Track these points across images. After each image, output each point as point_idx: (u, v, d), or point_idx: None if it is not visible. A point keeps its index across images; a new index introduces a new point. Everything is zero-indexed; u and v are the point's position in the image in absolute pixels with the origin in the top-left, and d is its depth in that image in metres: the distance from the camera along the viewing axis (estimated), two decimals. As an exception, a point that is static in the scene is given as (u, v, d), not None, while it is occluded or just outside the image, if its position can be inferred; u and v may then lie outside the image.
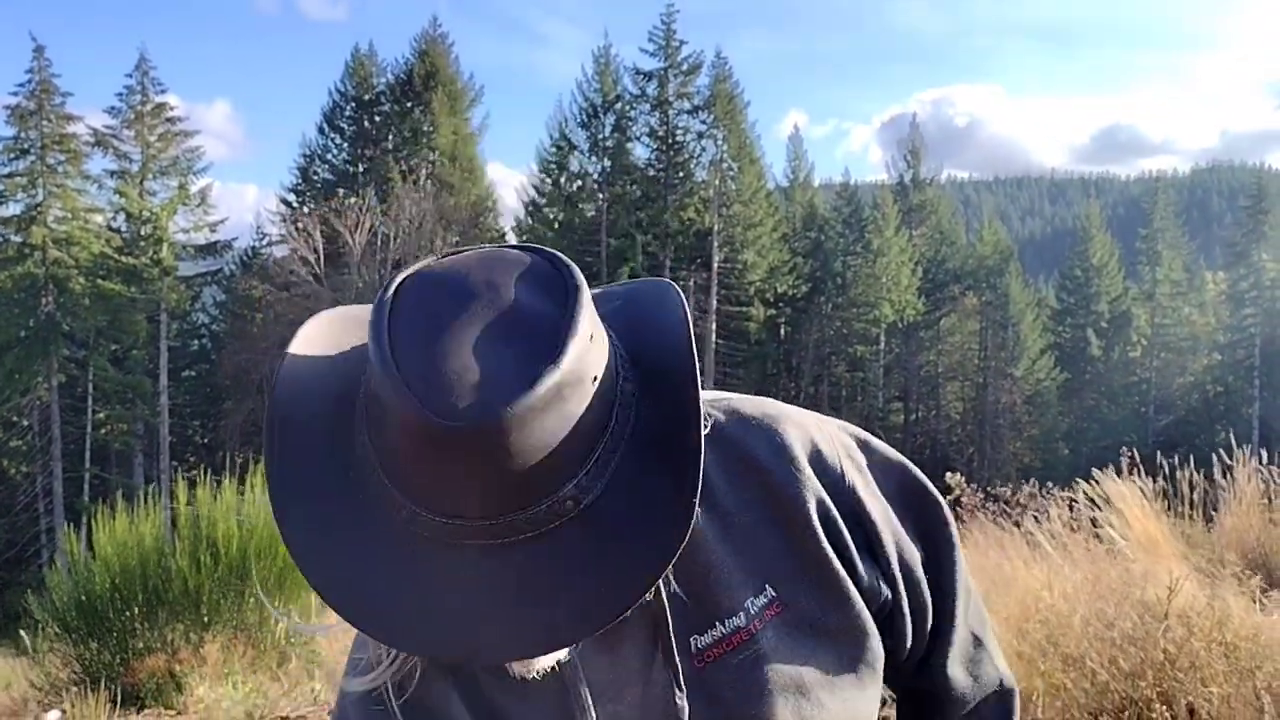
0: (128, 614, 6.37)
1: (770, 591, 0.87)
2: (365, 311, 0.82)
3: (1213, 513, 7.13)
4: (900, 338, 45.17)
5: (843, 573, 0.90)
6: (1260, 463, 7.19)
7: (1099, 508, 6.30)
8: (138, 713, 5.55)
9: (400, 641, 0.71)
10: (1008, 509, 7.48)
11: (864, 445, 0.98)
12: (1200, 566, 5.62)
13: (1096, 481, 6.56)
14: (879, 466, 0.97)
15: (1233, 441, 7.11)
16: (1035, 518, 6.83)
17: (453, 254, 0.80)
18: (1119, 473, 6.70)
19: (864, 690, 0.91)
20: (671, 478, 0.73)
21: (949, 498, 8.03)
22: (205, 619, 6.36)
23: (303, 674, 6.08)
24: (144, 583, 6.41)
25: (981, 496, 7.84)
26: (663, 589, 0.83)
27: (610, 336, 0.79)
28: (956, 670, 1.02)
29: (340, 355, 0.81)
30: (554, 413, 0.71)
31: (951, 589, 1.00)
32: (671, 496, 0.72)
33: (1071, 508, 6.56)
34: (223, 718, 5.26)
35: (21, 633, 7.69)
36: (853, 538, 0.92)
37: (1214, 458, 7.22)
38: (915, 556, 0.96)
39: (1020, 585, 5.39)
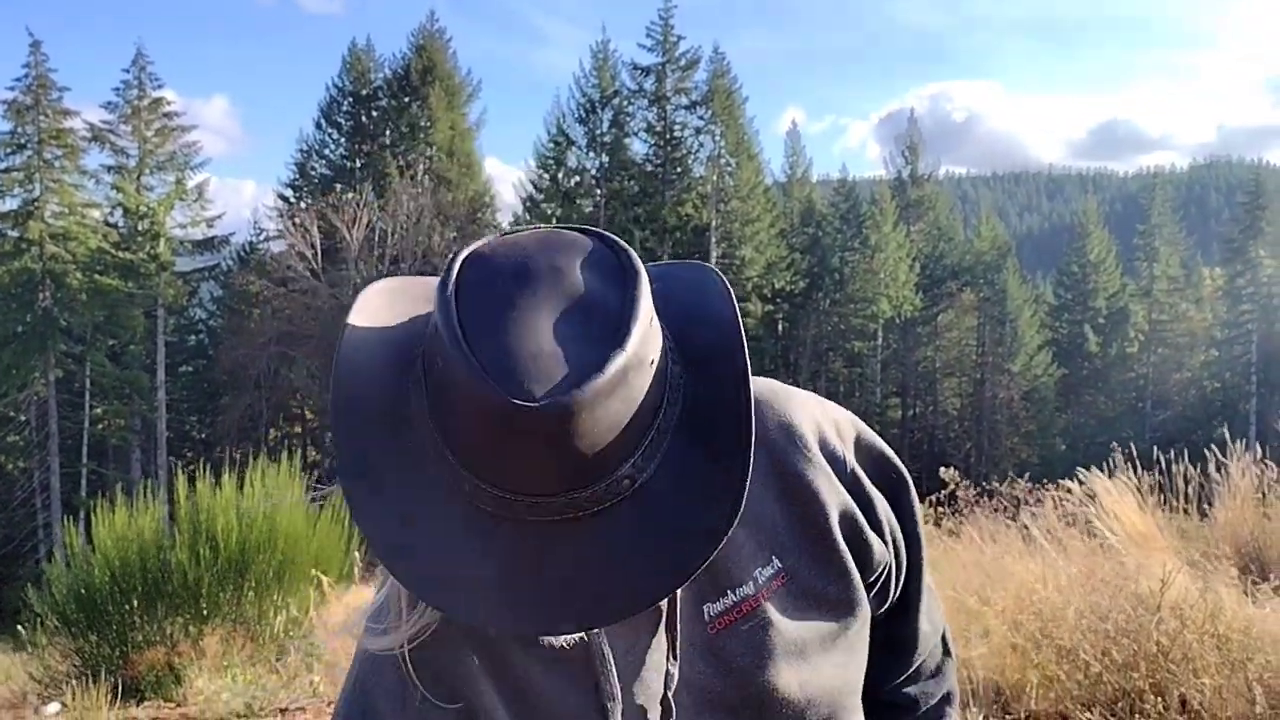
0: (127, 607, 6.39)
1: (776, 563, 0.92)
2: (420, 283, 0.86)
3: (1207, 507, 7.16)
4: (898, 333, 45.19)
5: (843, 547, 0.95)
6: (1255, 457, 7.22)
7: (1094, 503, 6.33)
8: (137, 705, 5.57)
9: (458, 611, 0.73)
10: (1003, 504, 7.51)
11: (851, 421, 1.04)
12: (1194, 560, 5.65)
13: (1082, 482, 6.59)
14: (862, 439, 1.03)
15: (1227, 436, 7.14)
16: (1032, 513, 6.87)
17: (509, 234, 0.82)
18: (1114, 468, 6.73)
19: (854, 656, 0.96)
20: (722, 463, 0.76)
21: (944, 492, 8.07)
22: (204, 612, 6.38)
23: (301, 667, 6.09)
24: (143, 576, 6.42)
25: (976, 492, 7.87)
26: None
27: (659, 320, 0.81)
28: (923, 620, 1.13)
29: (399, 326, 0.83)
30: (619, 395, 0.73)
31: (918, 547, 1.09)
32: (722, 481, 0.75)
33: (1066, 503, 6.59)
34: (222, 710, 5.28)
35: (20, 627, 7.70)
36: (862, 511, 0.97)
37: (1208, 452, 7.25)
38: (896, 521, 1.03)
39: (1015, 579, 5.42)
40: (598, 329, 0.75)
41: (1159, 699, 4.26)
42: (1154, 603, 4.55)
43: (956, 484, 7.85)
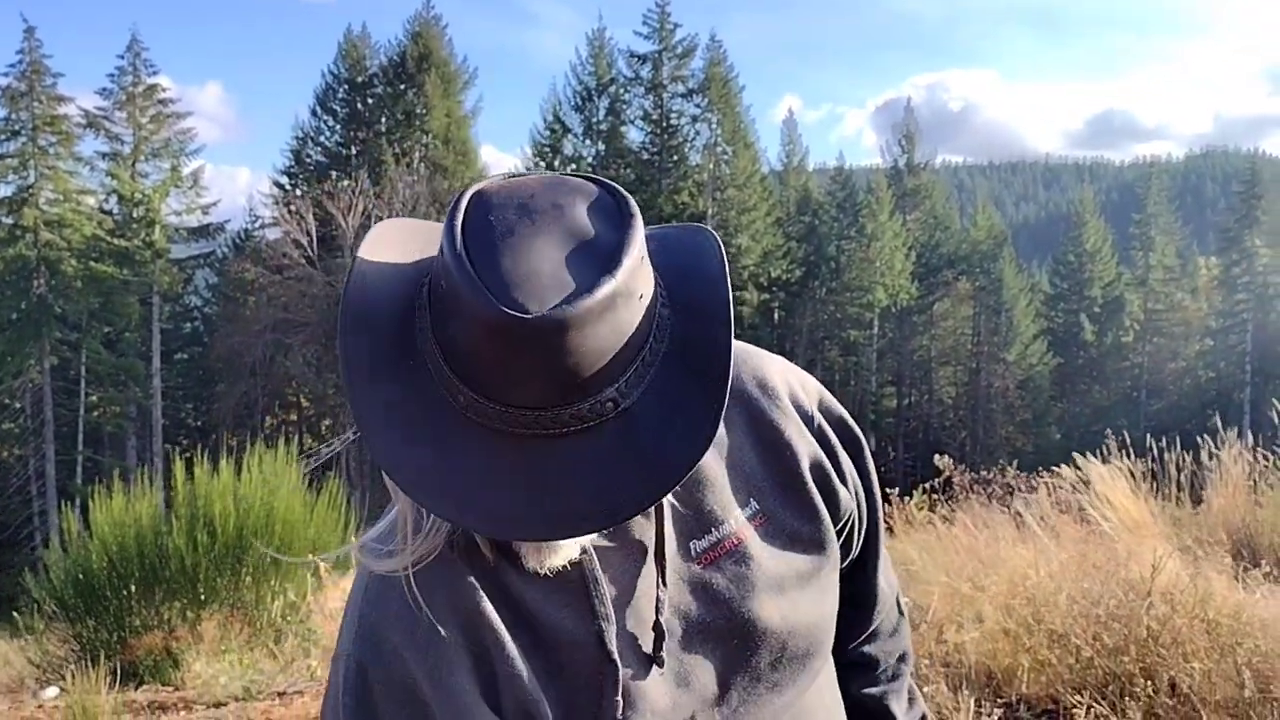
0: (125, 592, 6.41)
1: (755, 505, 1.00)
2: (429, 226, 0.92)
3: (1201, 495, 7.21)
4: (894, 322, 45.22)
5: (815, 491, 1.03)
6: (1247, 445, 7.26)
7: (1087, 490, 6.37)
8: (135, 689, 5.60)
9: (451, 514, 0.79)
10: (997, 491, 7.56)
11: (816, 385, 1.13)
12: (1186, 547, 5.69)
13: (1078, 467, 6.63)
14: (824, 401, 1.12)
15: (1219, 424, 7.18)
16: (1025, 500, 6.91)
17: (516, 176, 0.88)
18: (1107, 455, 6.77)
19: (826, 596, 1.04)
20: (702, 392, 0.82)
21: (939, 479, 8.11)
22: (202, 597, 6.41)
23: (299, 651, 6.12)
24: (141, 561, 6.44)
25: (970, 479, 7.91)
26: (666, 498, 0.93)
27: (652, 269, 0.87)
28: (881, 579, 1.22)
29: (404, 261, 0.89)
30: (608, 319, 0.79)
31: (876, 508, 1.17)
32: (701, 407, 0.81)
33: (1059, 490, 6.63)
34: (220, 693, 5.31)
35: (15, 614, 7.71)
36: (829, 461, 1.06)
37: (1201, 440, 7.29)
38: (858, 478, 1.12)
39: (1008, 564, 5.46)
40: (592, 259, 0.80)
41: (1149, 682, 4.30)
42: (1145, 588, 4.59)
43: (951, 471, 7.90)
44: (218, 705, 5.17)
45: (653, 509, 0.94)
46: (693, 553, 0.96)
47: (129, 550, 6.45)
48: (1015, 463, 8.02)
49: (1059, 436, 42.09)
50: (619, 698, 0.90)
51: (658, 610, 0.93)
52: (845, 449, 1.11)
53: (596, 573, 0.92)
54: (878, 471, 1.16)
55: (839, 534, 1.08)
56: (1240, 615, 4.61)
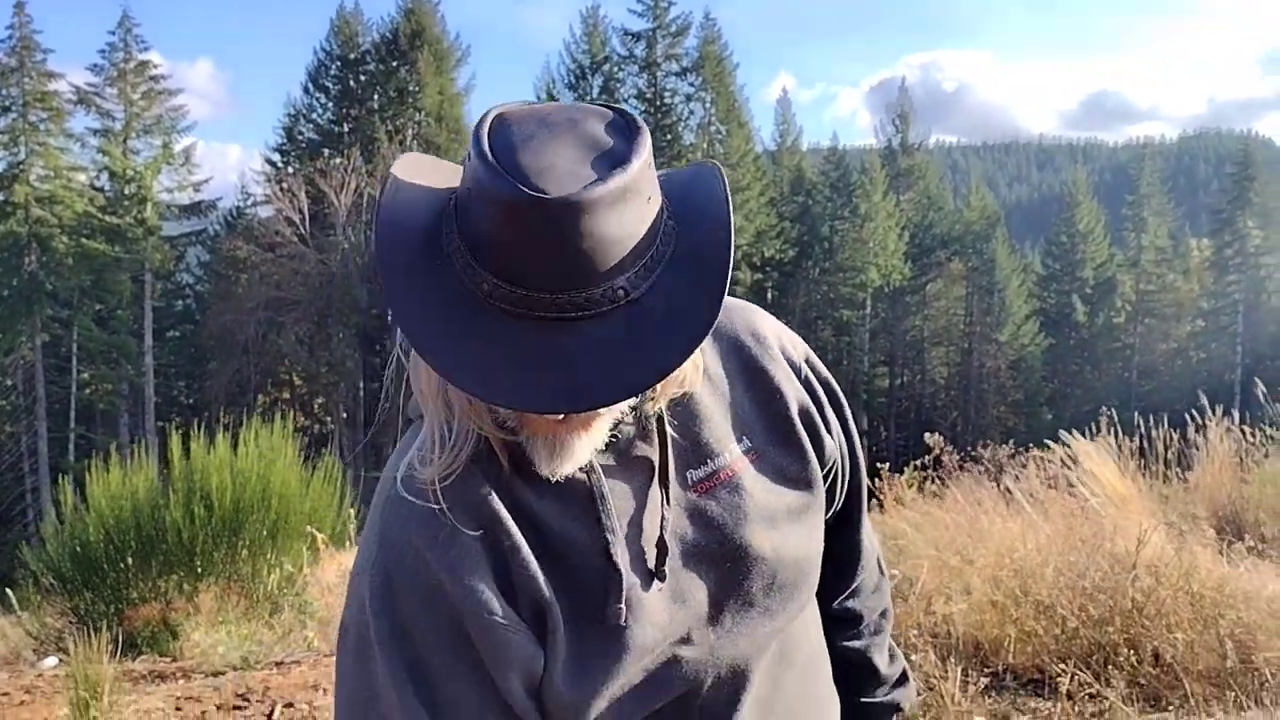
0: (122, 565, 6.45)
1: (747, 442, 1.08)
2: (448, 163, 1.02)
3: (1188, 473, 7.30)
4: (886, 302, 45.27)
5: (803, 433, 1.11)
6: (1234, 423, 7.34)
7: (1075, 467, 6.44)
8: (134, 660, 5.65)
9: (479, 392, 0.86)
10: (987, 468, 7.63)
11: (803, 344, 1.23)
12: (1171, 522, 5.78)
13: (1067, 445, 6.70)
14: (810, 358, 1.21)
15: (1205, 402, 7.26)
16: (1015, 476, 6.98)
17: (532, 104, 0.97)
18: (1097, 433, 6.85)
19: (813, 532, 1.12)
20: (704, 291, 0.90)
21: (929, 457, 8.15)
22: (199, 569, 6.45)
23: (295, 623, 6.17)
24: (138, 534, 6.48)
25: (961, 457, 7.97)
26: (667, 426, 1.03)
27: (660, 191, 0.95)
28: (864, 535, 1.30)
29: (432, 184, 0.97)
30: (619, 210, 0.87)
31: (858, 465, 1.25)
32: (702, 308, 0.89)
33: (1049, 466, 6.70)
34: (218, 662, 5.37)
35: (8, 590, 7.74)
36: (815, 410, 1.14)
37: (1190, 419, 7.36)
38: (842, 433, 1.20)
39: (995, 538, 5.53)
40: (604, 159, 0.89)
41: (1133, 652, 4.39)
42: (1130, 561, 4.66)
43: (941, 449, 7.96)
44: (216, 674, 5.22)
45: (656, 434, 1.02)
46: (689, 481, 1.04)
47: (126, 523, 6.49)
48: (1011, 441, 8.08)
49: (1050, 417, 42.22)
50: (622, 605, 0.96)
51: (661, 527, 1.00)
52: (829, 404, 1.19)
53: (603, 489, 0.99)
54: (869, 451, 1.23)
55: (826, 477, 1.16)
56: (1224, 588, 4.69)
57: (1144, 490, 6.48)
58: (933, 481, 7.74)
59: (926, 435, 8.18)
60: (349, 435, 38.09)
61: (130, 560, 6.49)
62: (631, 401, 0.99)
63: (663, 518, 1.01)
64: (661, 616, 0.99)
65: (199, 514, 6.47)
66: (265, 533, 6.63)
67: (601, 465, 1.00)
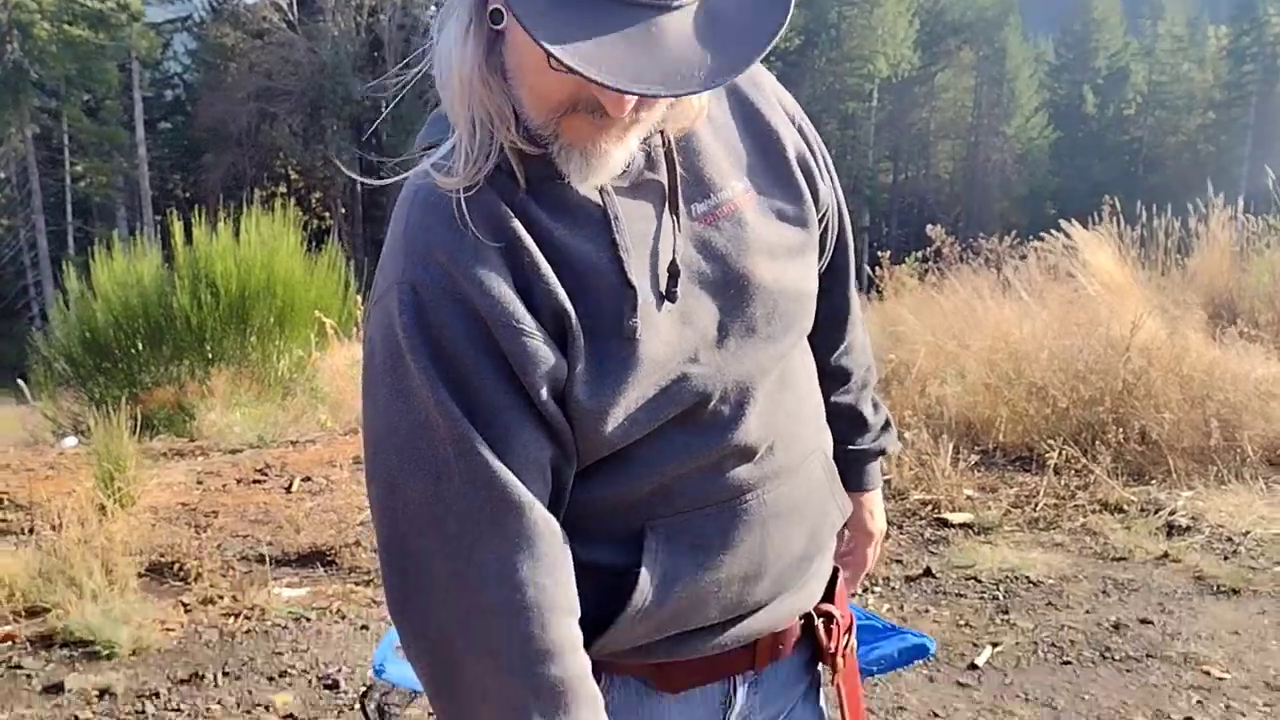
0: (133, 350, 6.56)
1: (747, 181, 1.13)
2: None
3: (1188, 262, 7.32)
4: (893, 94, 44.18)
5: (799, 176, 1.17)
6: (1235, 213, 7.31)
7: (1074, 256, 6.46)
8: (151, 439, 5.82)
9: (588, 70, 0.87)
10: (987, 259, 7.64)
11: (799, 106, 1.28)
12: (1167, 309, 5.85)
13: (1066, 234, 6.69)
14: (807, 121, 1.27)
15: (1210, 192, 7.19)
16: (1015, 266, 7.01)
17: None
18: (1099, 223, 6.83)
19: (810, 269, 1.19)
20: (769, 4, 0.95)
21: (930, 249, 8.12)
22: (210, 355, 6.56)
23: (308, 406, 6.34)
24: (146, 319, 6.56)
25: (962, 249, 7.97)
26: (675, 156, 1.07)
27: None
28: (852, 292, 1.39)
29: None
30: None
31: (845, 217, 1.32)
32: (776, 10, 0.94)
33: (1048, 255, 6.71)
34: (235, 441, 5.55)
35: (20, 380, 7.87)
36: (811, 155, 1.21)
37: (1191, 208, 7.32)
38: (835, 190, 1.27)
39: (992, 324, 5.62)
40: None
41: (1120, 430, 4.54)
42: (1124, 345, 4.76)
43: (942, 241, 7.96)
44: (233, 451, 5.40)
45: (664, 163, 1.06)
46: (694, 214, 1.09)
47: (134, 309, 6.56)
48: (1014, 232, 8.06)
49: (1054, 212, 41.91)
50: (637, 320, 1.01)
51: (674, 251, 1.05)
52: (822, 157, 1.25)
53: (617, 210, 1.03)
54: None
55: (821, 221, 1.22)
56: (1213, 370, 4.81)
57: (1141, 278, 6.52)
58: (933, 272, 7.78)
59: (929, 227, 8.17)
60: (348, 230, 37.93)
61: (141, 345, 6.60)
62: (656, 118, 1.02)
63: (675, 242, 1.05)
64: (672, 335, 1.04)
65: (206, 300, 6.54)
66: (273, 319, 6.72)
67: (614, 188, 1.03)
